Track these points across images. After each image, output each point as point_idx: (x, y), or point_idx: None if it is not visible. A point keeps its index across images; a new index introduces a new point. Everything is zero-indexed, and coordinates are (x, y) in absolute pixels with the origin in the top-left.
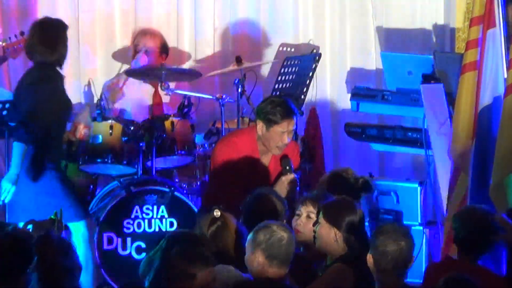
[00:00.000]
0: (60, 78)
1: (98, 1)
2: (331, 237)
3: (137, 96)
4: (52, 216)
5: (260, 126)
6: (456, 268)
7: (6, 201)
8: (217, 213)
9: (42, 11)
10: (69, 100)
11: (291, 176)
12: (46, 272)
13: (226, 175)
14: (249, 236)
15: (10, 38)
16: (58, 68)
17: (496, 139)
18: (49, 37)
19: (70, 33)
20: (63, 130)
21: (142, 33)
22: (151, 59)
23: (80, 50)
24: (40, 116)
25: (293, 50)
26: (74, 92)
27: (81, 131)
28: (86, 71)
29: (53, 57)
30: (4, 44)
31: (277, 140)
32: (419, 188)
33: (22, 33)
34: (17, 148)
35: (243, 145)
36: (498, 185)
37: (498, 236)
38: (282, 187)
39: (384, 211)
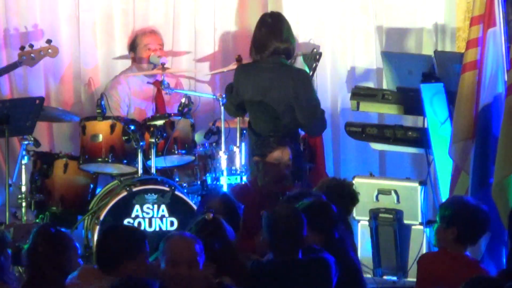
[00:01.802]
0: None
1: (97, 1)
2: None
3: (141, 95)
4: (38, 220)
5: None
6: (448, 258)
7: None
8: (208, 216)
9: (43, 11)
10: None
11: None
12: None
13: None
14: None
15: (31, 45)
16: None
17: (496, 138)
18: None
19: (70, 34)
20: None
21: (146, 33)
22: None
23: (80, 51)
24: None
25: None
26: (75, 91)
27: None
28: (86, 70)
29: None
30: (20, 52)
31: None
32: (419, 188)
33: (49, 41)
34: None
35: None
36: (500, 184)
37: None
38: None
39: (385, 210)
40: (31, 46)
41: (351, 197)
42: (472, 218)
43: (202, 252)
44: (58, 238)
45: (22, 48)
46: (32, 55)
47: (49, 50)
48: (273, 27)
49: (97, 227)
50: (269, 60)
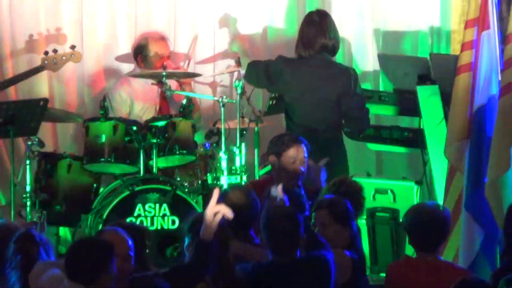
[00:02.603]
0: None
1: (100, 5)
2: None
3: (144, 97)
4: (35, 219)
5: (272, 159)
6: (416, 266)
7: None
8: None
9: (47, 16)
10: None
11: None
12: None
13: None
14: None
15: (56, 50)
16: None
17: (490, 138)
18: None
19: (74, 36)
20: None
21: (157, 39)
22: (162, 63)
23: (84, 53)
24: None
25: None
26: (78, 93)
27: None
28: (89, 72)
29: None
30: (43, 57)
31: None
32: (415, 187)
33: (73, 47)
34: None
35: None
36: (493, 184)
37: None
38: None
39: (381, 209)
40: (55, 51)
41: (360, 200)
42: (424, 225)
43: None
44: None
45: (46, 53)
46: (54, 60)
47: (72, 55)
48: (320, 25)
49: (100, 226)
50: (317, 57)
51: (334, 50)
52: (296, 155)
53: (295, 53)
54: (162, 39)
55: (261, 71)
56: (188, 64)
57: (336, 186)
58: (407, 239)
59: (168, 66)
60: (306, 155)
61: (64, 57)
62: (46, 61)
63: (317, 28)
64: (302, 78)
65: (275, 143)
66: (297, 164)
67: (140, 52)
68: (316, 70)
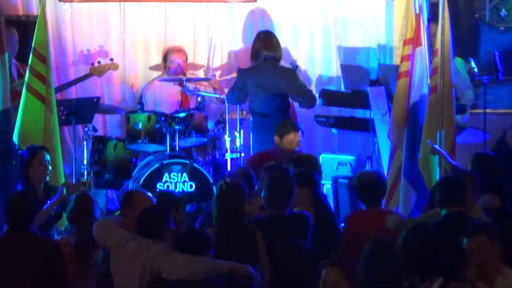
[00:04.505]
0: None
1: (138, 26)
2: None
3: (170, 95)
4: (85, 181)
5: (277, 139)
6: (365, 215)
7: None
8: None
9: (98, 34)
10: None
11: None
12: (84, 221)
13: None
14: None
15: (99, 62)
16: None
17: (421, 125)
18: None
19: (118, 51)
20: None
21: (174, 50)
22: (182, 69)
23: (125, 63)
24: None
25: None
26: (121, 92)
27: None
28: (129, 77)
29: None
30: (91, 66)
31: (287, 148)
32: (367, 161)
33: (111, 59)
34: None
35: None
36: (424, 159)
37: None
38: None
39: (342, 177)
40: (99, 62)
41: (316, 167)
42: (364, 185)
43: None
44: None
45: (92, 64)
46: (99, 69)
47: (112, 66)
48: (264, 41)
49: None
50: (263, 63)
51: (275, 58)
52: (293, 138)
53: (250, 62)
54: (178, 50)
55: (236, 90)
56: (207, 71)
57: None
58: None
59: (181, 72)
60: (301, 138)
61: (105, 67)
62: (93, 70)
63: (262, 43)
64: (255, 79)
65: (280, 127)
66: (293, 145)
67: (164, 60)
68: (262, 73)
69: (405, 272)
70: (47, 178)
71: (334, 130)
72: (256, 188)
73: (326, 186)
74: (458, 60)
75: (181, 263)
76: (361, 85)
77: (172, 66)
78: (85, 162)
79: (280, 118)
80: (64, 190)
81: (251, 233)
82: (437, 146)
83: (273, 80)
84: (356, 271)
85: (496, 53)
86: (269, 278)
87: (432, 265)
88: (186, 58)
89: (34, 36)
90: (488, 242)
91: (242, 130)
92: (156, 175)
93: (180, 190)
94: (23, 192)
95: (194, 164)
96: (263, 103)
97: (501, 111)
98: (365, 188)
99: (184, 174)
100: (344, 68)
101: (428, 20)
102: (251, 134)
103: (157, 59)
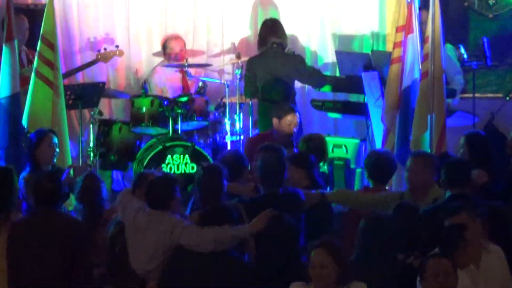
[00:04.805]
0: None
1: (141, 15)
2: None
3: (172, 80)
4: (89, 162)
5: (275, 121)
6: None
7: None
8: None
9: (104, 22)
10: None
11: None
12: (92, 199)
13: None
14: None
15: (105, 48)
16: None
17: (413, 109)
18: None
19: (123, 38)
20: None
21: (172, 38)
22: (180, 56)
23: (130, 50)
24: None
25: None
26: (126, 77)
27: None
28: (134, 63)
29: None
30: (97, 53)
31: (286, 129)
32: (361, 143)
33: (117, 46)
34: None
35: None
36: (416, 140)
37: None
38: None
39: (337, 159)
40: (105, 49)
41: (323, 150)
42: (377, 164)
43: None
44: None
45: (99, 50)
46: (105, 55)
47: (117, 52)
48: (271, 27)
49: (142, 169)
50: (270, 50)
51: (282, 45)
52: (292, 120)
53: (257, 50)
54: (177, 38)
55: (249, 83)
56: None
57: (307, 140)
58: (356, 179)
59: (182, 56)
60: (298, 120)
61: (111, 53)
62: (99, 56)
63: (269, 30)
64: (264, 66)
65: (278, 110)
66: (291, 126)
67: (164, 48)
68: (271, 60)
69: (398, 245)
70: (55, 160)
71: (330, 114)
72: (249, 168)
73: (322, 168)
74: (448, 46)
75: (208, 235)
76: (356, 71)
77: (172, 53)
78: (91, 144)
79: (287, 104)
80: (71, 172)
81: (237, 212)
82: None
83: (281, 66)
84: (344, 253)
85: (485, 40)
86: (254, 257)
87: (418, 240)
88: (184, 45)
89: (42, 24)
90: (468, 219)
91: (241, 114)
92: (159, 157)
93: (182, 171)
94: (51, 174)
95: (196, 147)
96: (271, 89)
97: (489, 95)
98: (377, 167)
99: (186, 156)
100: (339, 54)
101: (419, 8)
102: (259, 119)
103: (159, 46)
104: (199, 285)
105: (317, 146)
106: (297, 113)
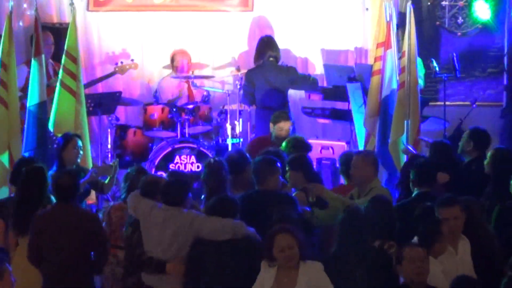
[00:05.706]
0: None
1: (153, 33)
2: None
3: (178, 89)
4: (112, 164)
5: (271, 126)
6: (347, 189)
7: None
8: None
9: (121, 38)
10: None
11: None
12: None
13: None
14: None
15: (122, 62)
16: None
17: (391, 115)
18: None
19: (137, 53)
20: None
21: (179, 53)
22: (187, 67)
23: (143, 63)
24: None
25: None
26: (140, 87)
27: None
28: (147, 74)
29: None
30: (115, 66)
31: (278, 134)
32: (346, 145)
33: (132, 60)
34: None
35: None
36: (393, 143)
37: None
38: None
39: (325, 159)
40: (121, 62)
41: (307, 148)
42: (347, 163)
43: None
44: None
45: (116, 63)
46: (122, 68)
47: (132, 65)
48: (267, 43)
49: (153, 169)
50: (266, 63)
51: (276, 58)
52: (283, 126)
53: (254, 63)
54: (183, 52)
55: (247, 93)
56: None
57: (288, 141)
58: (340, 176)
59: (188, 69)
60: (290, 126)
61: (127, 66)
62: (116, 69)
63: (266, 45)
64: (261, 76)
65: (274, 116)
66: (283, 132)
67: (172, 61)
68: (267, 71)
69: (373, 234)
70: (78, 160)
71: (318, 120)
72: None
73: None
74: (418, 60)
75: (226, 225)
76: (341, 82)
77: (179, 66)
78: (109, 146)
79: (281, 111)
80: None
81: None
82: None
83: (277, 77)
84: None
85: (454, 54)
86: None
87: (393, 230)
88: (190, 59)
89: (66, 40)
90: (460, 211)
91: (241, 119)
92: (169, 157)
93: (189, 170)
94: (69, 172)
95: (201, 148)
96: (268, 97)
97: (458, 103)
98: (347, 165)
99: (192, 156)
100: (327, 67)
101: (397, 27)
102: (256, 124)
103: (168, 60)
104: (223, 269)
105: (295, 145)
106: (290, 120)
